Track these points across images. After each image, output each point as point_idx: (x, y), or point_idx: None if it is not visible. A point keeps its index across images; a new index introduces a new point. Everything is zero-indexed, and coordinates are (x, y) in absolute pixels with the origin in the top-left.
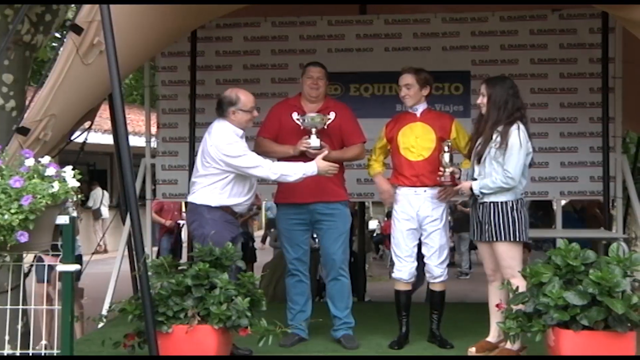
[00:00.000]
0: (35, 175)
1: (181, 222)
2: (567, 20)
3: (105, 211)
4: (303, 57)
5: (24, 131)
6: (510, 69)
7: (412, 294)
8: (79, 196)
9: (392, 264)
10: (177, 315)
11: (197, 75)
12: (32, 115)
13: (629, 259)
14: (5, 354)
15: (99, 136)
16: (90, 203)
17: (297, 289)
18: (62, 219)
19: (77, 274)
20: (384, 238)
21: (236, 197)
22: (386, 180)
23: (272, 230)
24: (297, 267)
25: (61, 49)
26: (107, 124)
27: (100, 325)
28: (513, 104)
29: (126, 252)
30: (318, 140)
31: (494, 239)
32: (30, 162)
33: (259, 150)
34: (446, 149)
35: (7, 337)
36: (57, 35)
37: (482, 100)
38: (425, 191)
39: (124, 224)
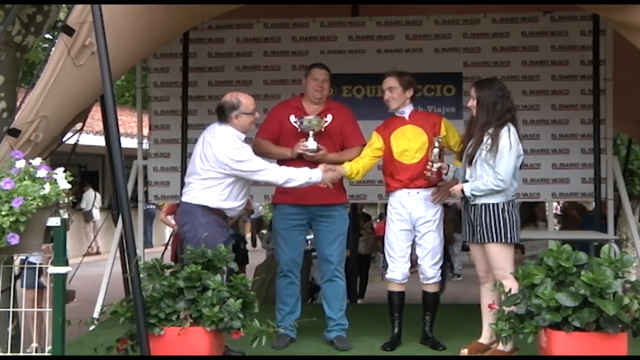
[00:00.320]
0: (26, 177)
1: None
2: (558, 23)
3: (96, 213)
4: (295, 59)
5: (15, 133)
6: (502, 70)
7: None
8: (71, 198)
9: (385, 265)
10: (169, 318)
11: (190, 77)
12: (23, 117)
13: (620, 260)
14: None
15: (91, 138)
16: (82, 205)
17: (288, 291)
18: (53, 221)
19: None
20: (377, 239)
21: (232, 201)
22: (341, 168)
23: (265, 232)
24: (291, 268)
25: (52, 50)
26: (99, 126)
27: (92, 327)
28: (502, 106)
29: (118, 254)
30: (315, 143)
31: (486, 241)
32: (21, 163)
33: (257, 151)
34: (436, 144)
35: None
36: (49, 36)
37: (472, 102)
38: (418, 192)
39: (115, 225)
